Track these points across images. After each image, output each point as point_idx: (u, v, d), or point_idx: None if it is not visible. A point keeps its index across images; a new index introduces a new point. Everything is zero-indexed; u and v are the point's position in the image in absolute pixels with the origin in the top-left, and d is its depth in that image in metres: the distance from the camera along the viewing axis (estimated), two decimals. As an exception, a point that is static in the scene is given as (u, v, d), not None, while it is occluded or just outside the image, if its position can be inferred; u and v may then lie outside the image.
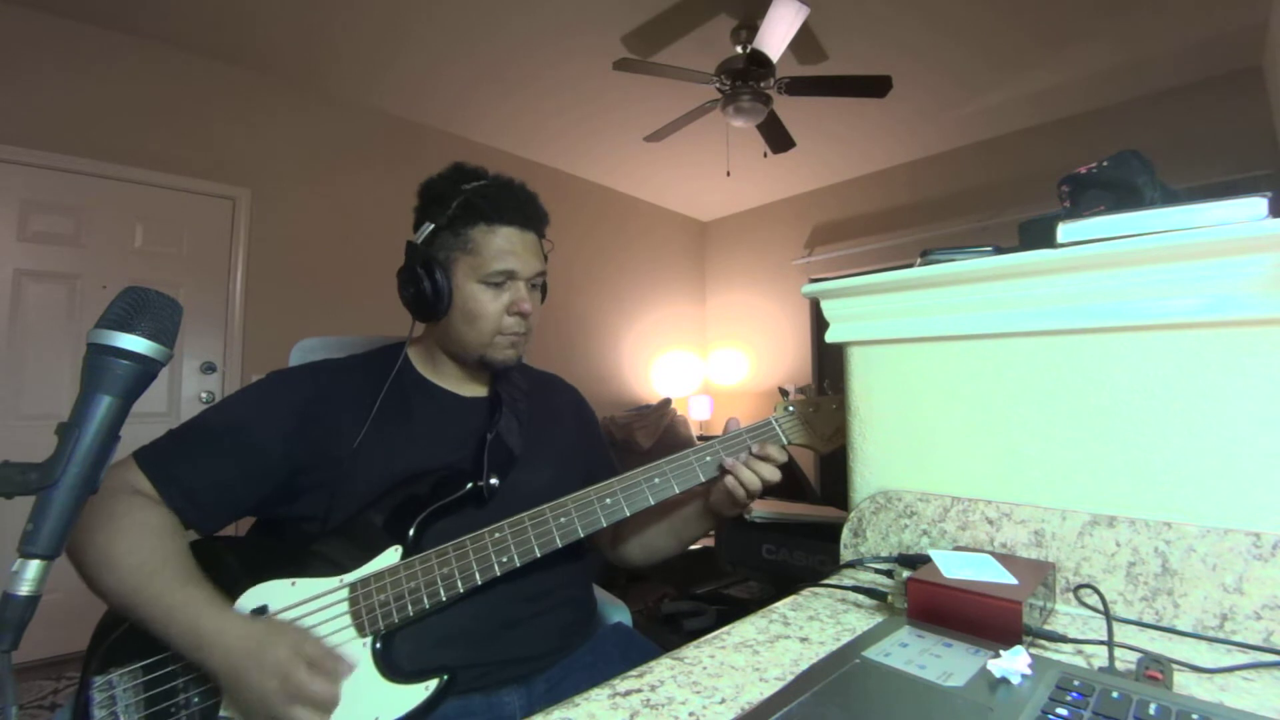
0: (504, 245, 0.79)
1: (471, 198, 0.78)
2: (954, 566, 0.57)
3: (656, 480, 0.75)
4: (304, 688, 0.58)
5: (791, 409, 0.84)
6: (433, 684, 0.64)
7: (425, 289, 0.78)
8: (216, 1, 2.41)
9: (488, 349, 0.81)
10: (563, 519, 0.71)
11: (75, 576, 0.61)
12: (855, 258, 4.15)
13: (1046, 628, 0.53)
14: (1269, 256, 0.53)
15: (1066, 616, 0.59)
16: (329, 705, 0.60)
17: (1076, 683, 0.41)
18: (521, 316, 0.81)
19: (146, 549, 0.63)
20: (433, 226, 0.79)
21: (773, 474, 0.78)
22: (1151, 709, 0.37)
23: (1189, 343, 0.59)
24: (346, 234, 3.13)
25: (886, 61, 2.76)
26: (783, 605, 0.64)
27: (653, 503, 0.74)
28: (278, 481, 0.73)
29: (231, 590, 0.66)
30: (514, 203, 0.80)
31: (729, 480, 0.77)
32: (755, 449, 0.79)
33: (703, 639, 0.55)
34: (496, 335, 0.81)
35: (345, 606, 0.66)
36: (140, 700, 0.62)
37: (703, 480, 0.77)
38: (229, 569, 0.68)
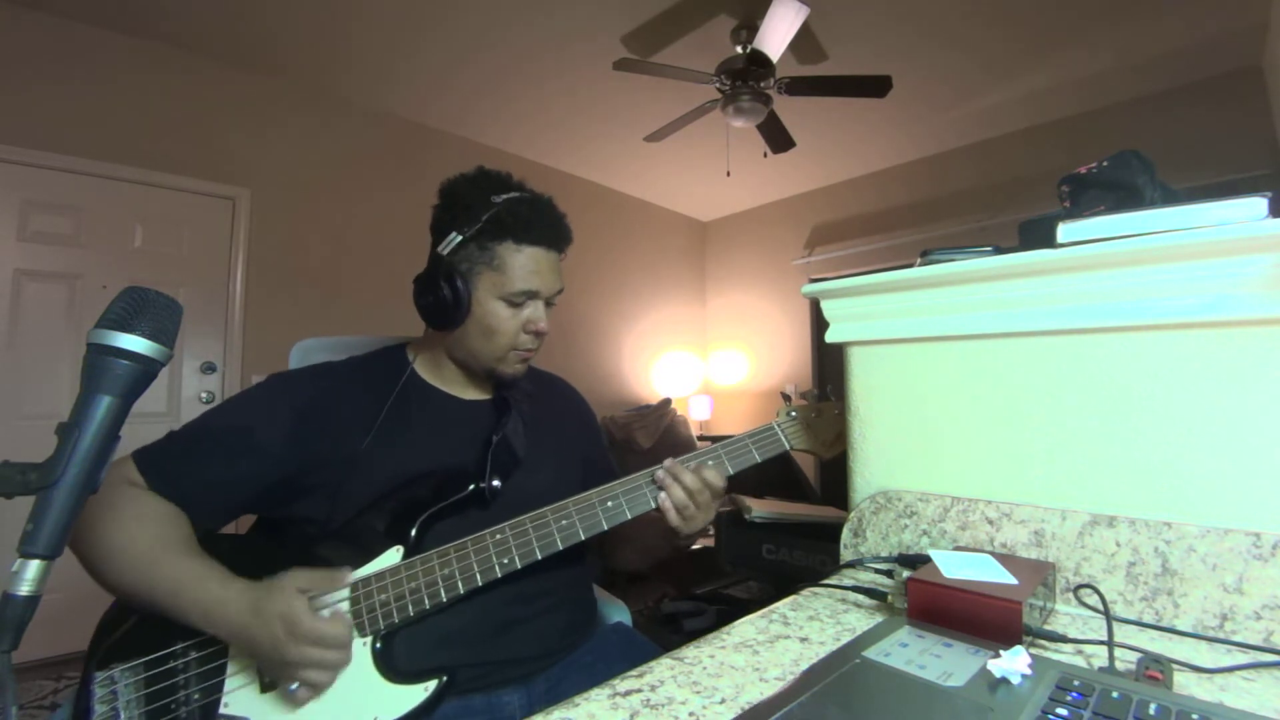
0: (530, 265, 0.78)
1: (502, 214, 0.77)
2: (954, 566, 0.57)
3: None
4: (310, 629, 0.60)
5: (794, 414, 0.85)
6: (432, 684, 0.64)
7: (446, 299, 0.77)
8: (217, 2, 2.41)
9: (500, 363, 0.82)
10: (564, 521, 0.71)
11: (75, 577, 0.62)
12: (855, 258, 4.15)
13: (1046, 628, 0.53)
14: (1269, 256, 0.53)
15: (1066, 616, 0.59)
16: (335, 641, 0.61)
17: (1076, 683, 0.41)
18: (537, 335, 0.81)
19: (149, 535, 0.64)
20: (459, 238, 0.77)
21: (694, 483, 0.73)
22: (1151, 709, 0.37)
23: (1189, 343, 0.59)
24: (347, 234, 3.13)
25: (886, 61, 2.76)
26: (783, 605, 0.64)
27: (654, 506, 0.74)
28: (275, 483, 0.73)
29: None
30: (544, 222, 0.79)
31: (662, 502, 0.74)
32: (690, 468, 0.75)
33: (703, 639, 0.55)
34: (511, 351, 0.81)
35: (346, 606, 0.66)
36: (141, 696, 0.62)
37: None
38: (231, 569, 0.68)
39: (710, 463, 0.77)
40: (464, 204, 0.79)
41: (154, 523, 0.66)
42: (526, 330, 0.80)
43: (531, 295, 0.79)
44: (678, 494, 0.73)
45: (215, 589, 0.62)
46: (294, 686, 0.61)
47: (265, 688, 0.64)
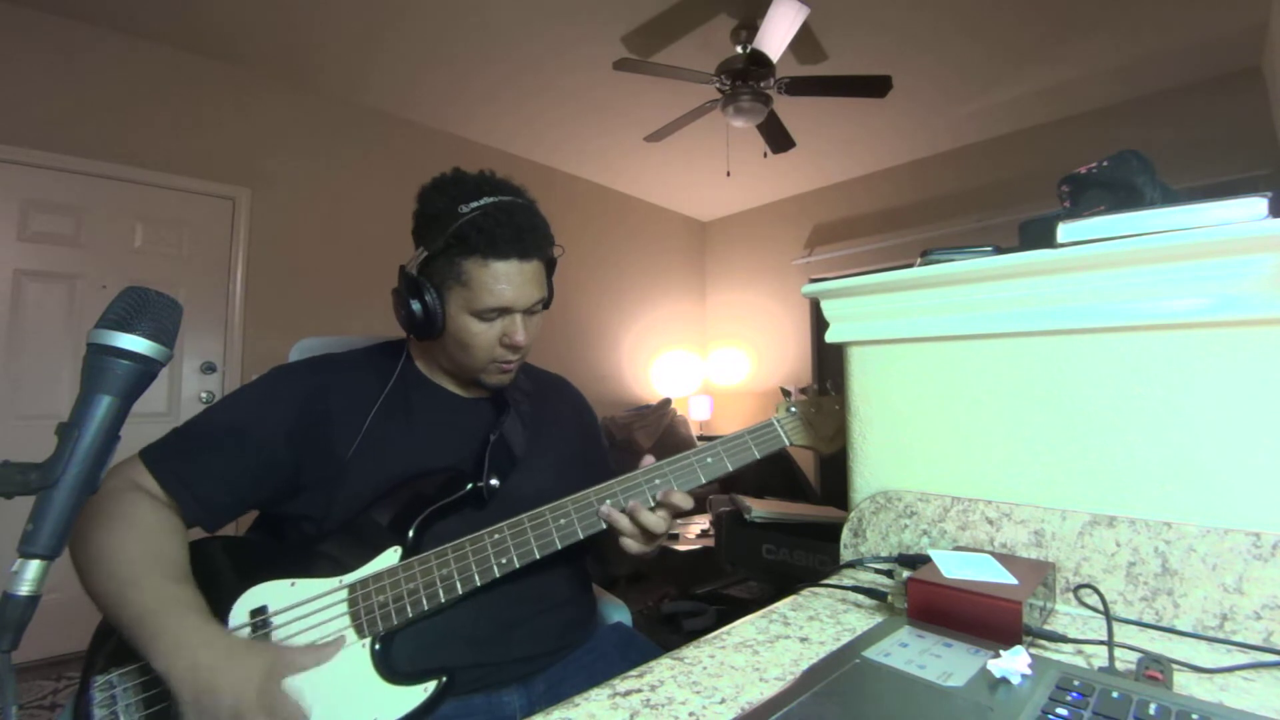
0: (499, 283, 0.75)
1: (466, 228, 0.73)
2: (954, 566, 0.57)
3: (658, 481, 0.75)
4: (281, 705, 0.57)
5: (794, 409, 0.84)
6: (432, 685, 0.64)
7: (417, 315, 0.76)
8: (217, 3, 2.41)
9: (482, 374, 0.81)
10: (562, 520, 0.71)
11: (75, 576, 0.61)
12: (855, 258, 4.15)
13: (1046, 628, 0.53)
14: (1269, 256, 0.53)
15: (1066, 616, 0.59)
16: None
17: (1076, 683, 0.41)
18: (514, 348, 0.79)
19: (134, 549, 0.63)
20: (426, 254, 0.75)
21: (656, 524, 0.72)
22: (1151, 709, 0.37)
23: (1189, 343, 0.59)
24: (347, 234, 3.13)
25: (886, 61, 2.76)
26: (783, 605, 0.64)
27: (653, 504, 0.74)
28: (282, 477, 0.73)
29: (231, 590, 0.66)
30: (512, 234, 0.74)
31: (610, 522, 0.72)
32: (659, 495, 0.73)
33: (703, 639, 0.55)
34: (490, 363, 0.80)
35: (345, 608, 0.66)
36: (140, 700, 0.62)
37: (703, 481, 0.77)
38: (229, 569, 0.68)
39: (660, 483, 0.75)
40: (431, 215, 0.76)
41: (144, 535, 0.64)
42: (503, 343, 0.78)
43: (503, 310, 0.77)
44: (636, 547, 0.73)
45: (174, 625, 0.58)
46: None
47: None
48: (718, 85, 2.63)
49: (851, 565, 0.75)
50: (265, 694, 0.57)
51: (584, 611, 0.87)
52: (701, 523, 2.50)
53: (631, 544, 0.73)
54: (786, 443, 0.82)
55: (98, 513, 0.64)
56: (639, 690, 0.46)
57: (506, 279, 0.75)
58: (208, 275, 2.75)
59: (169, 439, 0.72)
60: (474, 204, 0.74)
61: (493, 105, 3.28)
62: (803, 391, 0.87)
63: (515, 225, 0.75)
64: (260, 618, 0.65)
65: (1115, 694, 0.39)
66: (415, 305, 0.76)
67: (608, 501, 0.73)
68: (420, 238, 0.78)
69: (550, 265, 0.83)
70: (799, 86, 2.60)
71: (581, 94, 3.16)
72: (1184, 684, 0.46)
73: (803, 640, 0.55)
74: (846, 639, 0.53)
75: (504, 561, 0.68)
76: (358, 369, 0.82)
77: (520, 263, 0.76)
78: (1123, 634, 0.54)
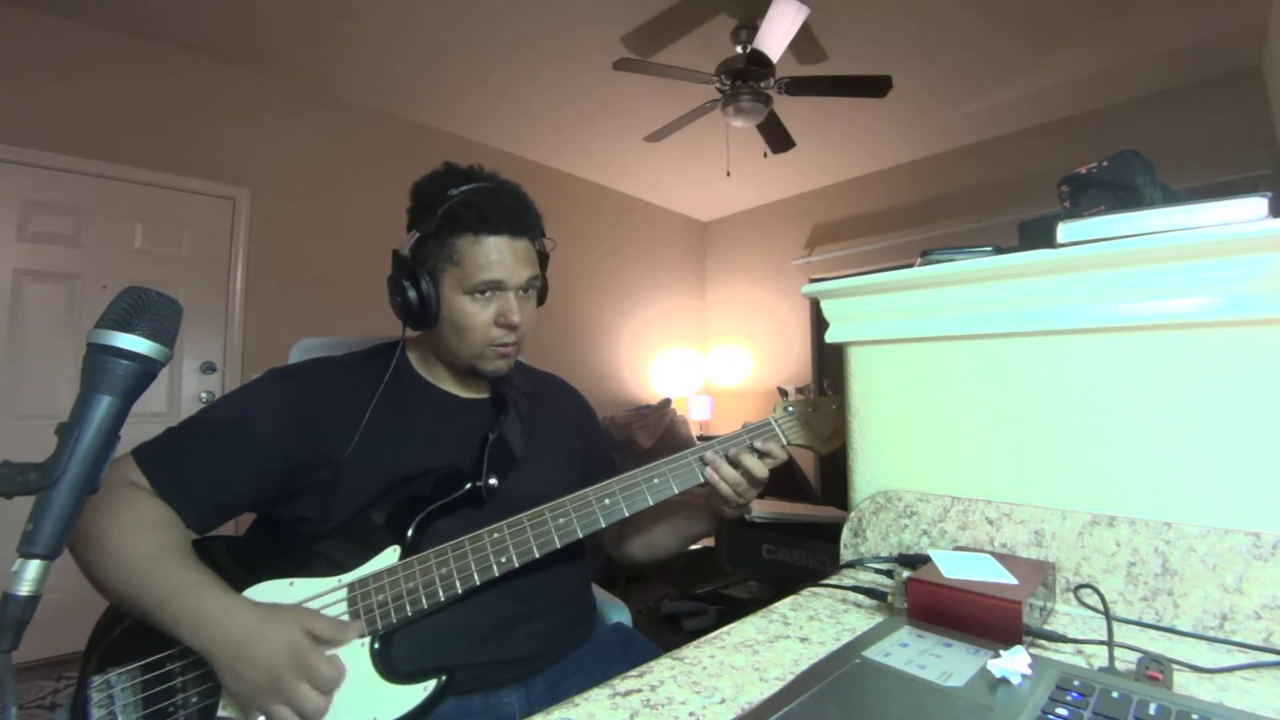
0: (490, 256, 0.76)
1: (456, 206, 0.75)
2: (954, 566, 0.57)
3: (656, 481, 0.75)
4: (315, 667, 0.58)
5: (791, 409, 0.84)
6: (431, 684, 0.64)
7: (412, 300, 0.77)
8: (216, 2, 2.41)
9: (478, 360, 0.81)
10: (561, 520, 0.71)
11: (75, 576, 0.61)
12: (855, 258, 4.15)
13: (1046, 628, 0.53)
14: (1269, 256, 0.53)
15: (1066, 616, 0.59)
16: (333, 686, 0.60)
17: (1076, 683, 0.41)
18: (510, 328, 0.79)
19: (145, 540, 0.63)
20: (419, 235, 0.77)
21: (760, 470, 0.77)
22: (1151, 709, 0.37)
23: (1189, 343, 0.59)
24: (347, 234, 3.13)
25: (886, 61, 2.76)
26: (783, 605, 0.64)
27: (651, 503, 0.74)
28: (275, 478, 0.73)
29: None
30: (501, 210, 0.77)
31: (710, 476, 0.77)
32: (759, 444, 0.79)
33: (703, 639, 0.55)
34: (486, 347, 0.80)
35: (344, 607, 0.66)
36: (138, 700, 0.62)
37: (702, 481, 0.77)
38: (227, 569, 0.68)
39: (754, 444, 0.80)
40: (424, 201, 0.78)
41: (152, 528, 0.65)
42: (498, 324, 0.79)
43: (496, 286, 0.77)
44: (725, 483, 0.77)
45: (210, 602, 0.60)
46: None
47: None
48: (718, 85, 2.63)
49: (851, 565, 0.75)
50: (295, 657, 0.58)
51: (584, 611, 0.87)
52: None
53: (729, 494, 0.77)
54: (784, 442, 0.82)
55: (98, 509, 0.64)
56: (639, 690, 0.46)
57: (497, 253, 0.77)
58: (208, 275, 2.75)
59: (163, 439, 0.71)
60: (463, 187, 0.77)
61: (491, 104, 3.28)
62: (800, 391, 0.87)
63: (503, 203, 0.78)
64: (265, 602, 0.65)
65: (1115, 694, 0.39)
66: (409, 289, 0.77)
67: (706, 453, 0.78)
68: (411, 224, 0.80)
69: (542, 253, 0.84)
70: (799, 86, 2.60)
71: (582, 94, 3.16)
72: (1184, 684, 0.46)
73: (803, 640, 0.55)
74: (846, 639, 0.53)
75: (503, 560, 0.69)
76: (354, 371, 0.82)
77: (511, 239, 0.78)
78: (1123, 634, 0.54)
